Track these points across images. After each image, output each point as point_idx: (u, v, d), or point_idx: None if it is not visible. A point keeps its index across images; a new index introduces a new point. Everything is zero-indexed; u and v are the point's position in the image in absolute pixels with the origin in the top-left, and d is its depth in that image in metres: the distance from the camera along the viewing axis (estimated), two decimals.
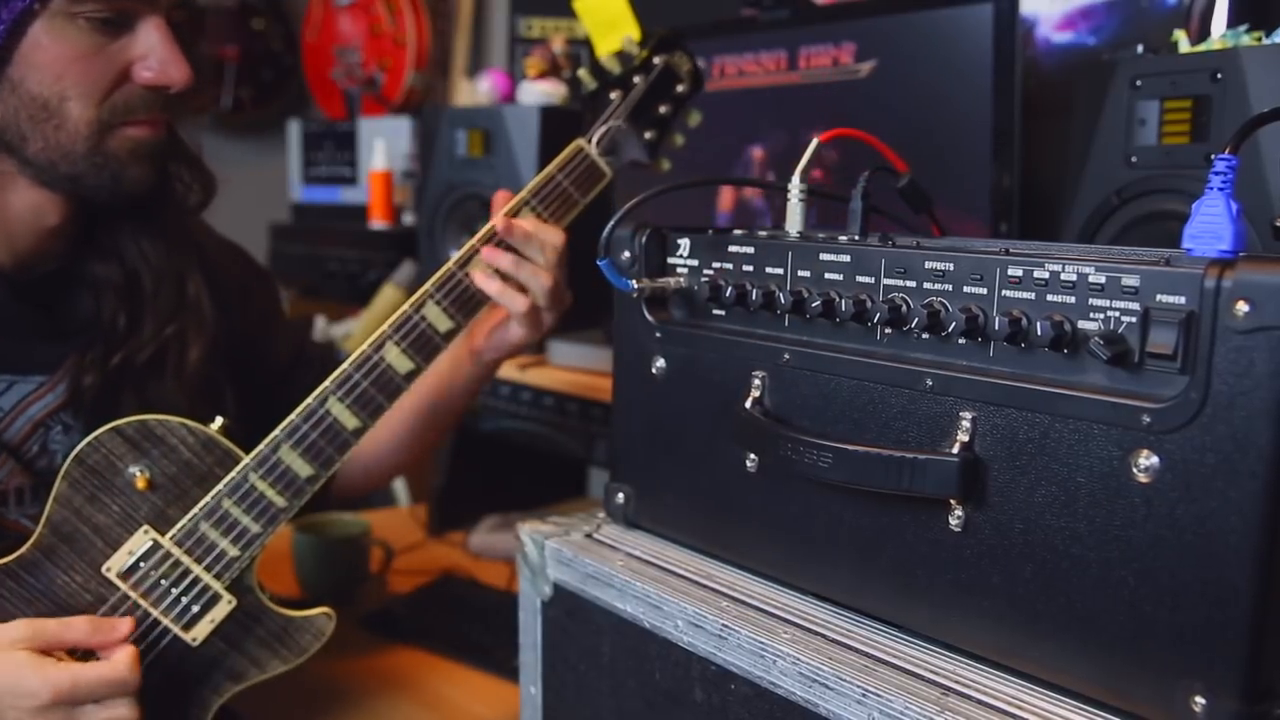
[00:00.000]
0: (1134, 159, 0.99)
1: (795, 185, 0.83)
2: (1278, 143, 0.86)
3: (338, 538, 1.53)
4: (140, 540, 0.97)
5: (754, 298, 0.77)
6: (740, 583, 0.80)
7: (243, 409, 1.11)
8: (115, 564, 0.97)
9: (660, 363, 0.85)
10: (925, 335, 0.68)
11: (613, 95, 1.12)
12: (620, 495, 0.91)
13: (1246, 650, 0.54)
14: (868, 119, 1.31)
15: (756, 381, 0.77)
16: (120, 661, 0.91)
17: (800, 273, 0.76)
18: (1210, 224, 0.59)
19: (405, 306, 1.03)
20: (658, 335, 0.85)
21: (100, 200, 1.01)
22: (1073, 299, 0.60)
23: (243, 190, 1.29)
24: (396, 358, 1.02)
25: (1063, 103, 1.12)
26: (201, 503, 0.98)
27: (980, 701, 0.63)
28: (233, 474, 0.98)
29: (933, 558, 0.67)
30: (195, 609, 0.98)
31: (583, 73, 1.14)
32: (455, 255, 1.05)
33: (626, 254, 0.86)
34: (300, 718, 1.20)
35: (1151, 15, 1.32)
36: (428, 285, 1.04)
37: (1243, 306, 0.53)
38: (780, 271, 0.77)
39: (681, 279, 0.84)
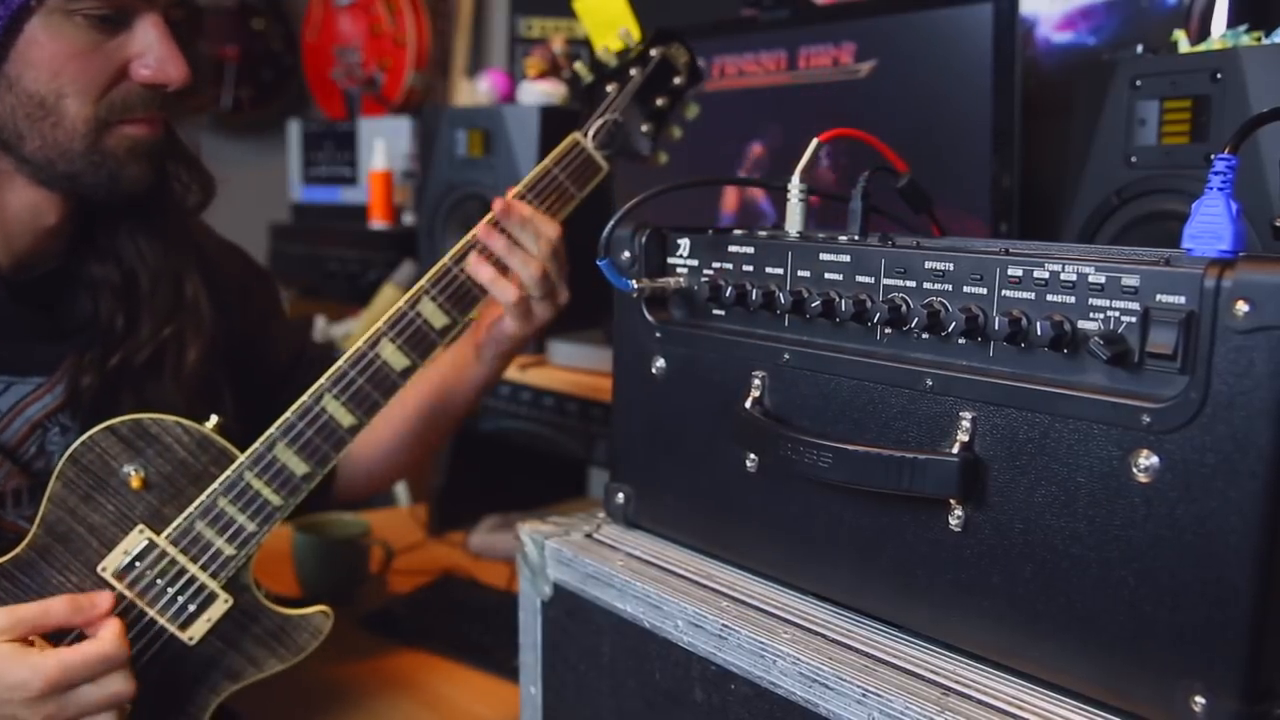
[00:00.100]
0: (1134, 159, 0.99)
1: (795, 185, 0.83)
2: (1278, 143, 0.86)
3: (338, 538, 1.53)
4: (136, 540, 0.97)
5: (754, 298, 0.77)
6: (740, 583, 0.80)
7: (242, 409, 1.10)
8: (111, 564, 0.96)
9: (660, 363, 0.85)
10: (925, 335, 0.68)
11: (609, 88, 1.11)
12: (620, 495, 0.91)
13: (1246, 650, 0.54)
14: (868, 119, 1.31)
15: (756, 381, 0.77)
16: (105, 636, 0.90)
17: (800, 273, 0.75)
18: (1210, 224, 0.59)
19: (400, 303, 1.03)
20: (658, 335, 0.85)
21: (98, 199, 1.00)
22: (1073, 299, 0.60)
23: (243, 190, 1.29)
24: (392, 354, 1.02)
25: (1063, 103, 1.12)
26: (197, 501, 0.98)
27: (980, 701, 0.63)
28: (228, 472, 0.98)
29: (933, 558, 0.67)
30: (192, 608, 0.98)
31: (579, 66, 1.13)
32: (451, 251, 1.05)
33: (626, 254, 0.86)
34: (300, 717, 1.20)
35: (1151, 15, 1.32)
36: (423, 281, 1.04)
37: (1243, 306, 0.53)
38: (780, 271, 0.77)
39: (681, 279, 0.84)
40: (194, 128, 1.11)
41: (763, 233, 0.82)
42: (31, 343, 1.02)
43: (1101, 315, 0.59)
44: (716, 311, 0.82)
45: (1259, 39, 0.95)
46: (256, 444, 0.99)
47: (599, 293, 0.92)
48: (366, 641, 1.37)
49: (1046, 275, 0.61)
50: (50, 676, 0.85)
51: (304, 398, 1.00)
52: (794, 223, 0.82)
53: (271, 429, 0.99)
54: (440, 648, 1.36)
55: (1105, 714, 0.60)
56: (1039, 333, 0.61)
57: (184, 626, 0.98)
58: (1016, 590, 0.63)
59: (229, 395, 1.12)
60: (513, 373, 1.59)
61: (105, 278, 1.05)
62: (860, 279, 0.71)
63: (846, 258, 0.72)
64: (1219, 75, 0.91)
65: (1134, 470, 0.57)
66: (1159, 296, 0.57)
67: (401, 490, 2.13)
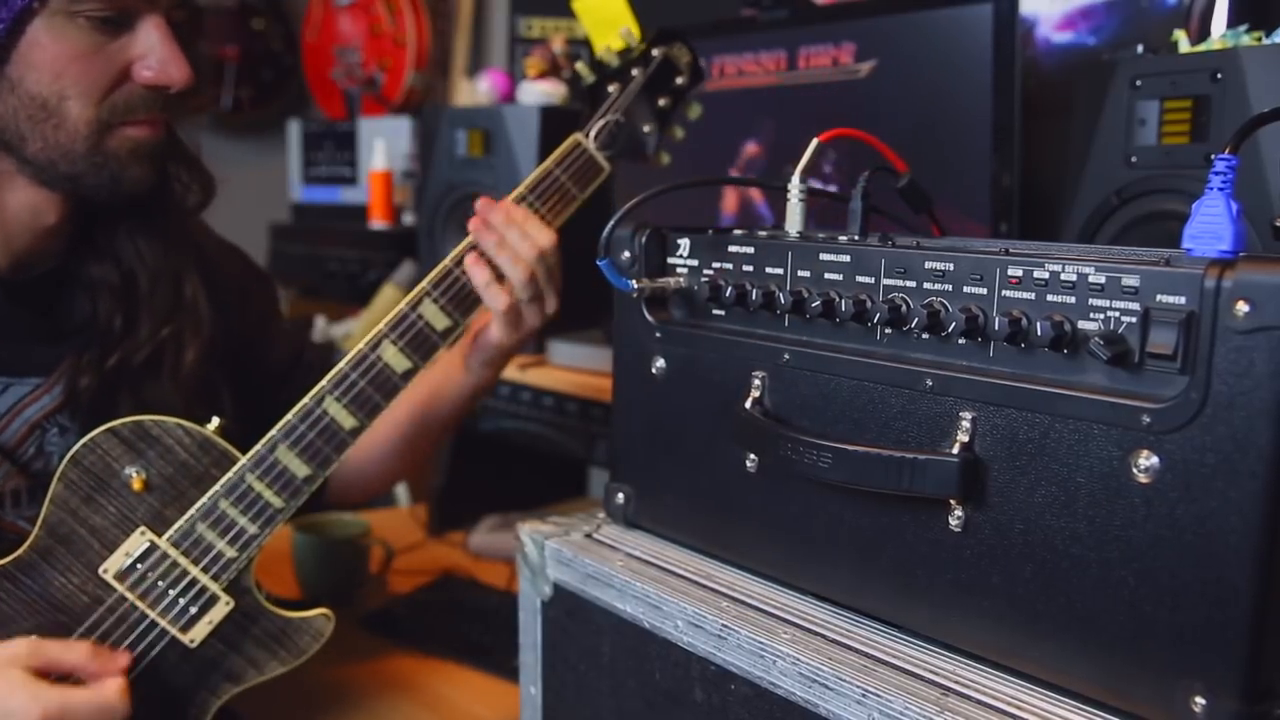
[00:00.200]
0: (1134, 159, 0.99)
1: (795, 185, 0.83)
2: (1278, 143, 0.86)
3: (338, 538, 1.53)
4: (137, 542, 0.97)
5: (754, 298, 0.77)
6: (740, 583, 0.80)
7: (240, 410, 1.10)
8: (112, 565, 0.96)
9: (660, 363, 0.85)
10: (925, 335, 0.68)
11: (611, 88, 1.11)
12: (620, 495, 0.91)
13: (1246, 650, 0.54)
14: (868, 119, 1.31)
15: (756, 381, 0.77)
16: (110, 689, 0.91)
17: (800, 273, 0.75)
18: (1210, 224, 0.59)
19: (402, 305, 1.03)
20: (658, 335, 0.85)
21: (99, 200, 1.00)
22: (1073, 299, 0.60)
23: (243, 190, 1.28)
24: (393, 356, 1.02)
25: (1063, 103, 1.12)
26: (198, 504, 0.98)
27: (980, 701, 0.63)
28: (229, 475, 0.98)
29: (933, 558, 0.67)
30: (193, 610, 0.98)
31: (581, 66, 1.13)
32: (453, 252, 1.05)
33: (626, 254, 0.86)
34: (300, 718, 1.20)
35: (1151, 15, 1.32)
36: (424, 283, 1.03)
37: (1243, 306, 0.53)
38: (780, 271, 0.77)
39: (681, 279, 0.84)
40: (194, 128, 1.10)
41: (763, 233, 0.82)
42: (30, 343, 1.02)
43: (1101, 315, 0.59)
44: (716, 311, 0.82)
45: (1259, 39, 0.95)
46: (258, 446, 0.99)
47: (599, 293, 0.92)
48: (366, 642, 1.37)
49: (1046, 275, 0.61)
50: (50, 711, 0.86)
51: (305, 400, 1.00)
52: (794, 223, 0.82)
53: (273, 431, 0.99)
54: (440, 648, 1.35)
55: (1105, 714, 0.60)
56: (1039, 333, 0.61)
57: (185, 629, 0.98)
58: (1016, 590, 0.63)
59: (228, 396, 1.12)
60: (513, 373, 1.59)
61: (104, 278, 1.05)
62: (860, 279, 0.71)
63: (846, 258, 0.72)
64: (1219, 75, 0.91)
65: (1134, 470, 0.57)
66: (1159, 297, 0.57)
67: (401, 490, 2.13)
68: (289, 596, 1.45)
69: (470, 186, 1.68)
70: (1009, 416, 0.63)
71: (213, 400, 1.09)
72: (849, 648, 0.70)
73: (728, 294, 0.79)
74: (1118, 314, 0.59)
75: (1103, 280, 0.59)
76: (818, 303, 0.72)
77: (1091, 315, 0.60)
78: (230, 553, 0.98)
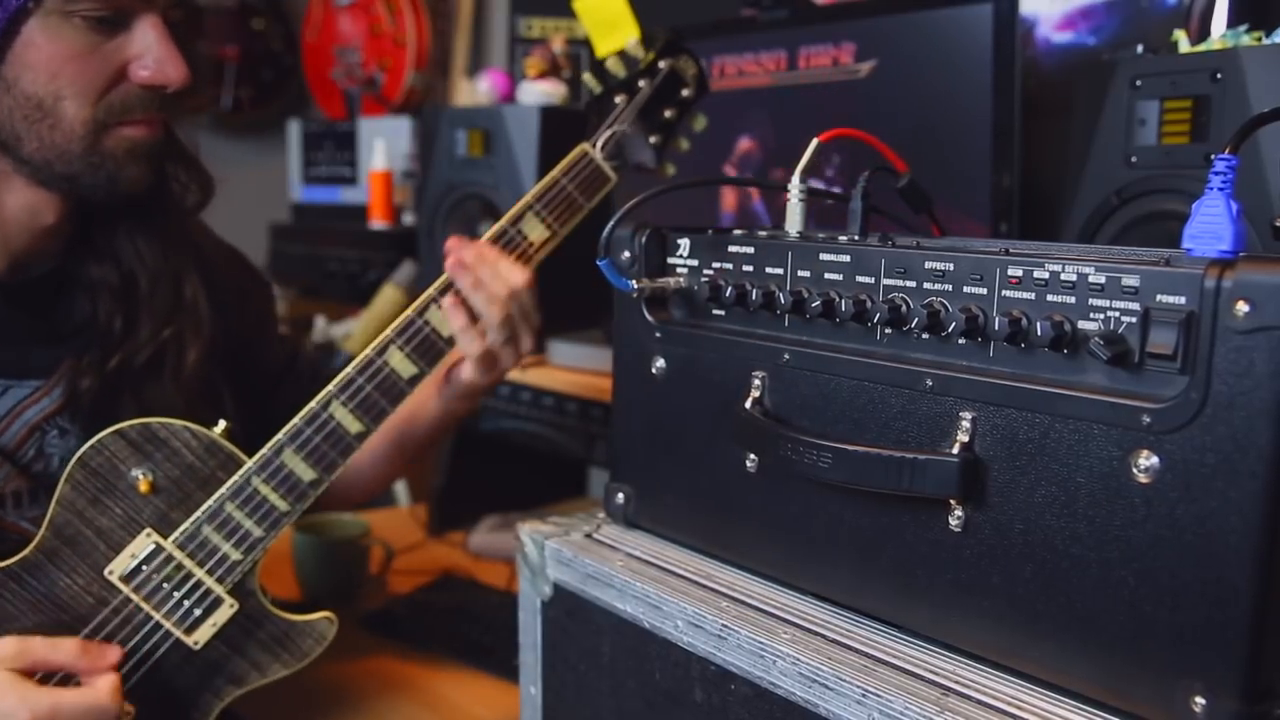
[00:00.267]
0: (1134, 159, 0.99)
1: (795, 185, 0.83)
2: (1278, 143, 0.86)
3: (338, 538, 1.53)
4: (143, 543, 0.97)
5: (754, 298, 0.77)
6: (740, 583, 0.80)
7: (240, 411, 1.10)
8: (117, 567, 0.97)
9: (660, 363, 0.85)
10: (925, 335, 0.68)
11: (617, 99, 1.12)
12: (620, 495, 0.91)
13: (1246, 650, 0.54)
14: (868, 119, 1.31)
15: (756, 381, 0.78)
16: (102, 688, 0.90)
17: (800, 273, 0.76)
18: (1210, 224, 0.59)
19: (409, 311, 1.03)
20: (658, 335, 0.85)
21: (97, 200, 1.00)
22: (1073, 299, 0.60)
23: (243, 190, 1.29)
24: (400, 362, 1.02)
25: (1063, 103, 1.12)
26: (204, 506, 0.98)
27: (980, 701, 0.63)
28: (235, 477, 0.98)
29: (933, 558, 0.67)
30: (197, 612, 0.98)
31: (587, 76, 1.13)
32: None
33: (626, 254, 0.86)
34: (300, 718, 1.20)
35: (1151, 15, 1.32)
36: (431, 290, 1.03)
37: (1243, 306, 0.53)
38: (780, 271, 0.77)
39: (681, 279, 0.84)
40: (194, 128, 1.10)
41: (763, 233, 0.82)
42: (29, 346, 1.02)
43: (1101, 315, 0.59)
44: (716, 311, 0.82)
45: (1259, 39, 0.95)
46: (264, 449, 0.99)
47: (599, 293, 0.92)
48: (366, 642, 1.38)
49: (1046, 275, 0.61)
50: (40, 713, 0.85)
51: (312, 404, 1.00)
52: (794, 223, 0.82)
53: (279, 434, 0.99)
54: (440, 648, 1.36)
55: (1105, 714, 0.60)
56: (1039, 333, 0.61)
57: (189, 631, 0.98)
58: (1016, 590, 0.63)
59: (229, 397, 1.12)
60: (513, 373, 1.58)
61: (103, 279, 1.04)
62: (860, 279, 0.72)
63: (846, 258, 0.72)
64: (1219, 75, 0.91)
65: (1134, 470, 0.57)
66: (1159, 297, 0.57)
67: (401, 490, 2.13)
68: (289, 597, 1.45)
69: (470, 186, 1.69)
70: (1009, 416, 0.63)
71: (214, 402, 1.09)
72: (849, 648, 0.70)
73: (728, 294, 0.79)
74: (1118, 314, 0.59)
75: (1103, 280, 0.59)
76: (818, 303, 0.72)
77: (1091, 315, 0.60)
78: (235, 555, 0.98)
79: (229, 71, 2.91)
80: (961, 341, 0.66)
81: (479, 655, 1.33)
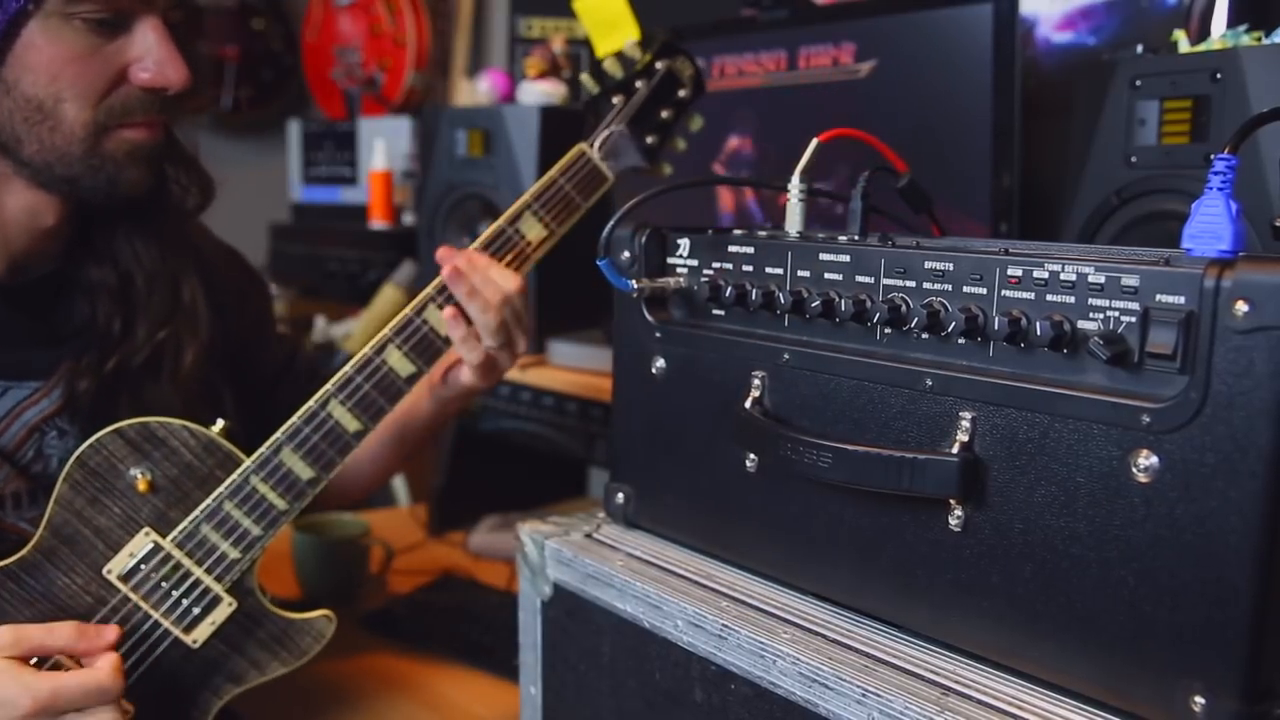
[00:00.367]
0: (1134, 159, 0.99)
1: (795, 185, 0.83)
2: (1278, 143, 0.86)
3: (338, 538, 1.53)
4: (141, 542, 0.97)
5: (754, 298, 0.77)
6: (740, 583, 0.80)
7: (239, 411, 1.10)
8: (116, 566, 0.97)
9: (660, 363, 0.85)
10: (925, 335, 0.68)
11: (615, 100, 1.12)
12: (620, 495, 0.91)
13: (1246, 650, 0.54)
14: (868, 119, 1.31)
15: (756, 381, 0.78)
16: (103, 668, 0.89)
17: (800, 273, 0.76)
18: (1210, 224, 0.59)
19: (407, 310, 1.03)
20: (658, 335, 0.85)
21: (96, 202, 1.00)
22: (1072, 299, 0.60)
23: (242, 190, 1.29)
24: (398, 361, 1.02)
25: (1063, 103, 1.12)
26: (203, 505, 0.98)
27: (980, 701, 0.63)
28: (234, 476, 0.98)
29: (933, 558, 0.67)
30: (196, 611, 0.98)
31: (585, 77, 1.14)
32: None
33: (626, 254, 0.86)
34: (300, 718, 1.21)
35: (1151, 15, 1.32)
36: (429, 289, 1.04)
37: (1242, 306, 0.53)
38: (780, 271, 0.77)
39: (681, 279, 0.84)
40: (193, 128, 1.10)
41: (763, 233, 0.82)
42: (28, 347, 1.02)
43: (1101, 315, 0.59)
44: (716, 311, 0.82)
45: (1259, 39, 0.95)
46: (263, 448, 0.99)
47: (599, 293, 0.92)
48: (366, 641, 1.38)
49: (1046, 275, 0.61)
50: (41, 698, 0.84)
51: (310, 403, 1.00)
52: (794, 223, 0.82)
53: (277, 433, 0.99)
54: (440, 648, 1.36)
55: (1105, 714, 0.60)
56: (1039, 333, 0.61)
57: (188, 629, 0.98)
58: (1016, 590, 0.63)
59: (228, 397, 1.12)
60: (513, 373, 1.58)
61: (102, 281, 1.04)
62: (860, 279, 0.72)
63: (846, 258, 0.72)
64: (1219, 75, 0.91)
65: (1134, 470, 0.57)
66: (1159, 296, 0.57)
67: (401, 490, 2.14)
68: (289, 596, 1.45)
69: (470, 186, 1.69)
70: (1009, 416, 0.63)
71: (213, 402, 1.09)
72: (849, 648, 0.70)
73: (728, 294, 0.79)
74: (1117, 314, 0.59)
75: (1102, 280, 0.59)
76: (818, 303, 0.72)
77: (1091, 315, 0.60)
78: (234, 554, 0.98)
79: (229, 72, 2.91)
80: (961, 341, 0.66)
81: (479, 655, 1.33)
